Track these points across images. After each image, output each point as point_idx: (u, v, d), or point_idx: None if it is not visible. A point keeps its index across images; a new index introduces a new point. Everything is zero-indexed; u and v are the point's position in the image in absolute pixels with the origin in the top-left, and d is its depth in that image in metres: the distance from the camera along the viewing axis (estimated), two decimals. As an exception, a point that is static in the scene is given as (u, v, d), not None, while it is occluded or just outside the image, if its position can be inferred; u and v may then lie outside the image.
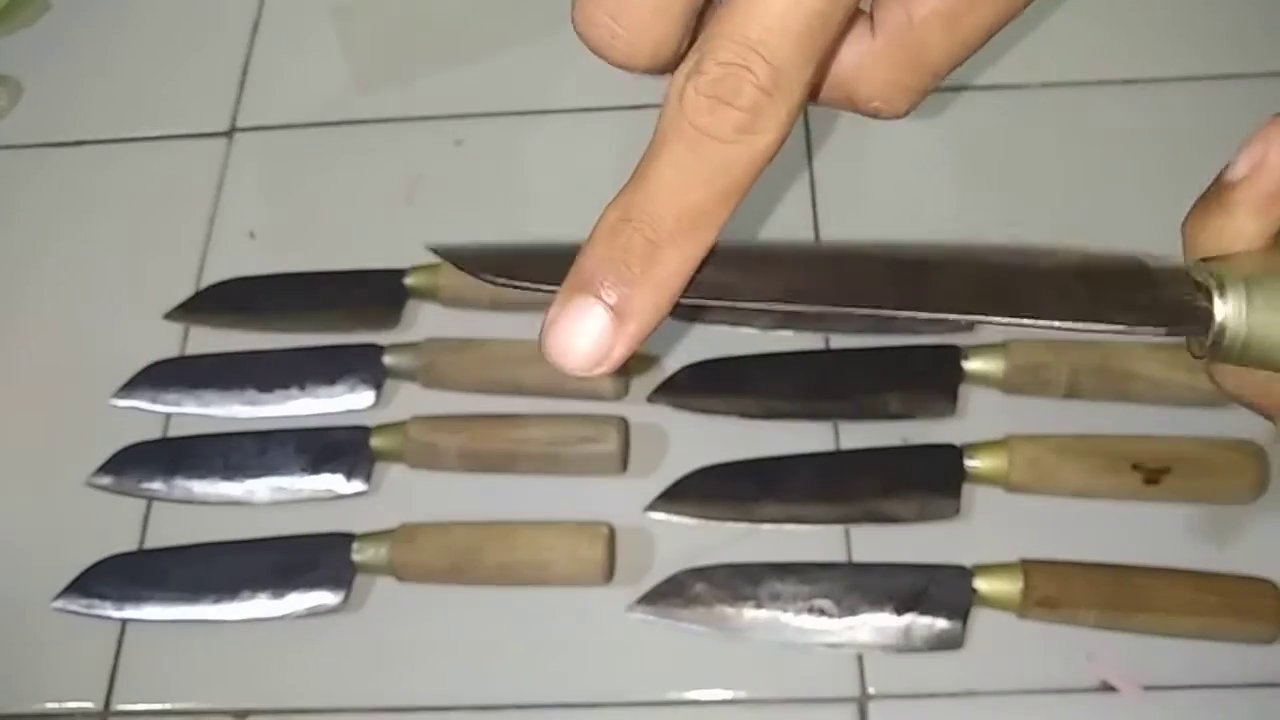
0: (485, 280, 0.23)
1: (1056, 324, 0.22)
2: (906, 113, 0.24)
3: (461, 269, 0.23)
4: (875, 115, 0.24)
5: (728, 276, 0.22)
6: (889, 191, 0.59)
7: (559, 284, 0.21)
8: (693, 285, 0.21)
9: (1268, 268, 0.22)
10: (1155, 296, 0.22)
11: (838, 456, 0.52)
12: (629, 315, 0.21)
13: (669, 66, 0.21)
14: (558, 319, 0.21)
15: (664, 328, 0.59)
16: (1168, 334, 0.22)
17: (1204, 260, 0.23)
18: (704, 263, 0.21)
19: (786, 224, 0.57)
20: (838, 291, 0.22)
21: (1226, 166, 0.24)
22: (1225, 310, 0.22)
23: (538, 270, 0.22)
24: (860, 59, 0.23)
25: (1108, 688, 0.46)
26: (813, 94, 0.23)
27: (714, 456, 0.51)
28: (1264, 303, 0.22)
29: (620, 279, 0.21)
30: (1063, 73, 0.61)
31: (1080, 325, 0.22)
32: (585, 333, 0.21)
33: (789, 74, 0.20)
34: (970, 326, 0.53)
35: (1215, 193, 0.24)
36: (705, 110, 0.20)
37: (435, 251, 0.24)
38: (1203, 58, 0.61)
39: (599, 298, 0.21)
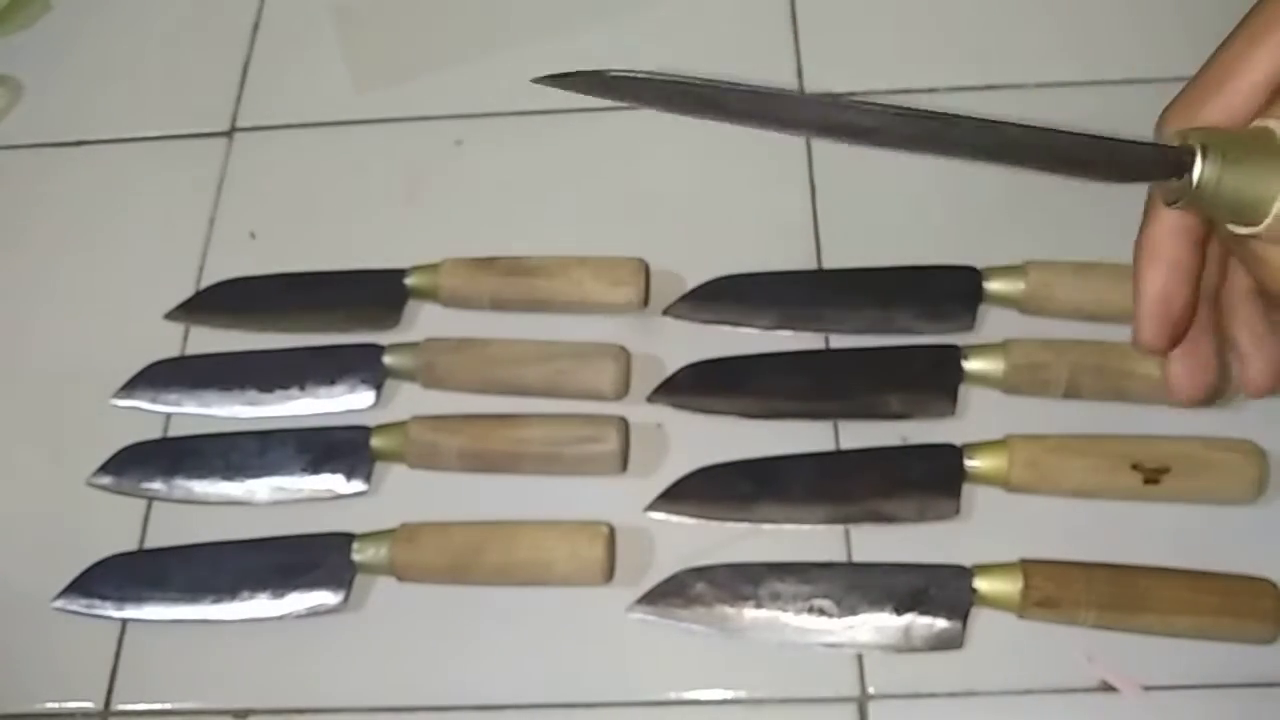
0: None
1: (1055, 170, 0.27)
2: None
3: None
4: None
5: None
6: (889, 195, 0.59)
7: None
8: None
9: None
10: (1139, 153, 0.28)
11: (838, 456, 0.52)
12: None
13: None
14: None
15: (664, 329, 0.58)
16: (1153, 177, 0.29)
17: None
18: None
19: (787, 220, 0.57)
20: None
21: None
22: (1203, 163, 0.27)
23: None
24: None
25: (1108, 688, 0.46)
26: None
27: (714, 456, 0.51)
28: (1235, 157, 0.27)
29: None
30: (1061, 72, 0.61)
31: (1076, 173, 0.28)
32: None
33: None
34: (971, 325, 0.53)
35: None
36: None
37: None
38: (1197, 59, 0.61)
39: None
